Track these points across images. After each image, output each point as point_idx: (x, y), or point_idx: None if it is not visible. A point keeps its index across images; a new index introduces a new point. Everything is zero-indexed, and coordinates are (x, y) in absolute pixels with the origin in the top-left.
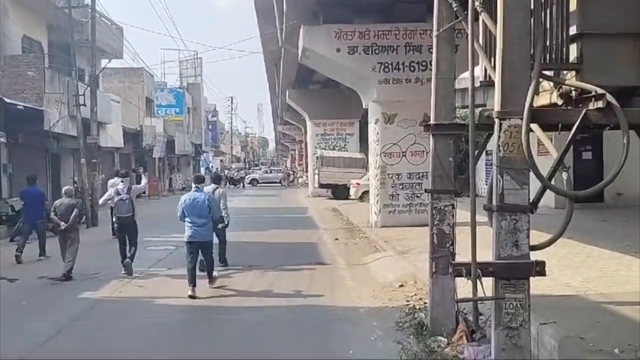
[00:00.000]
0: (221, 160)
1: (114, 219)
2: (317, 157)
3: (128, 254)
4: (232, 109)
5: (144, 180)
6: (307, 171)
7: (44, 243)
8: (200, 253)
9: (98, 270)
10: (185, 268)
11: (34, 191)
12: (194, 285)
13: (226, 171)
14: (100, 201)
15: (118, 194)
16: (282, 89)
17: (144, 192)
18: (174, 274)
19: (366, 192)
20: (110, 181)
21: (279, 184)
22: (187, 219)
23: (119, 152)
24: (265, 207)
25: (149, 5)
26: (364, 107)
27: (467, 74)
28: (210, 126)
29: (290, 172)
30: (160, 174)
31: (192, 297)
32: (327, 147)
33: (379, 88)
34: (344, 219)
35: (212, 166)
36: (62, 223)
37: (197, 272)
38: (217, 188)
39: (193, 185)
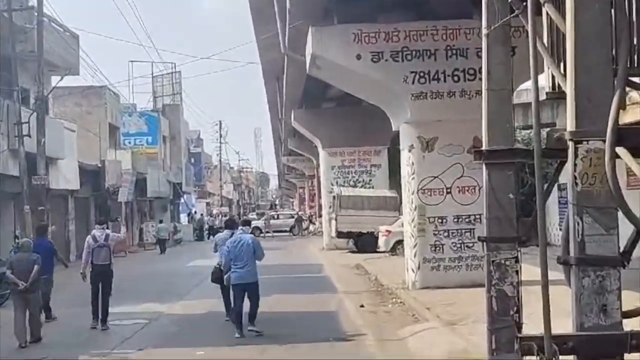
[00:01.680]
0: (208, 204)
1: (90, 268)
2: (334, 197)
3: (100, 316)
4: (220, 136)
5: (123, 230)
6: (320, 215)
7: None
8: (246, 296)
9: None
10: (161, 348)
11: (44, 243)
12: (241, 329)
13: (207, 218)
14: (82, 263)
15: (95, 240)
16: (286, 109)
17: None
18: (147, 359)
19: (399, 242)
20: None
21: (288, 233)
22: (231, 263)
23: (74, 196)
24: (268, 265)
25: (111, 6)
26: (393, 129)
27: (528, 84)
28: (192, 160)
29: (305, 218)
30: (128, 224)
31: (240, 336)
32: (346, 184)
33: (413, 105)
34: (371, 279)
35: (195, 212)
36: (22, 282)
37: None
38: (232, 234)
39: (239, 228)
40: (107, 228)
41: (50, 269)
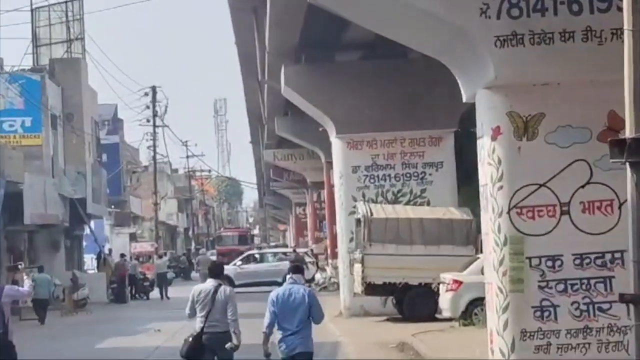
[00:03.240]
0: (133, 237)
1: None
2: (359, 222)
3: None
4: (154, 115)
5: (27, 282)
6: (334, 255)
7: None
8: None
9: None
10: None
11: None
12: None
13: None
14: None
15: None
16: (270, 64)
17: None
18: None
19: (477, 302)
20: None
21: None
22: (277, 326)
23: None
24: (241, 349)
25: None
26: (464, 100)
27: None
28: (105, 157)
29: (308, 259)
30: None
31: None
32: (381, 197)
33: (499, 56)
34: None
35: (109, 251)
36: None
37: None
38: (219, 285)
39: (287, 277)
40: None
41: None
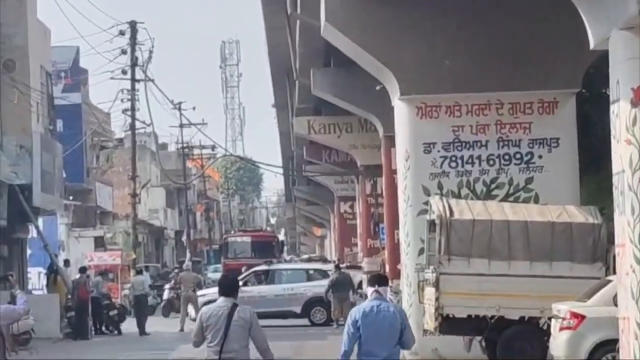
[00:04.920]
0: (100, 241)
1: None
2: (434, 224)
3: None
4: (134, 63)
5: (20, 299)
6: (394, 274)
7: None
8: None
9: None
10: None
11: None
12: None
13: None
14: None
15: None
16: None
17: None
18: None
19: (607, 346)
20: None
21: (305, 319)
22: (360, 354)
23: None
24: None
25: None
26: (592, 46)
27: None
28: (61, 125)
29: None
30: None
31: None
32: (465, 189)
33: None
34: None
35: (61, 259)
36: None
37: None
38: (235, 306)
39: (369, 290)
40: None
41: None
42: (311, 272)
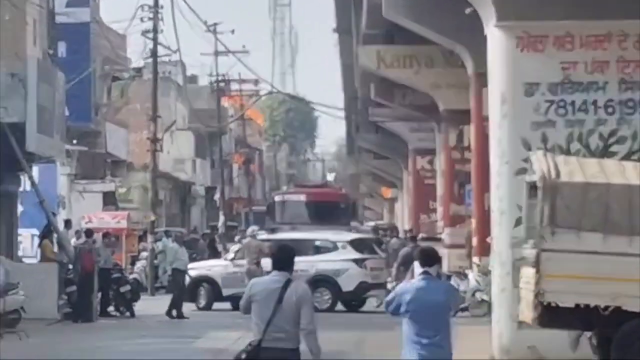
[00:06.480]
0: (110, 197)
1: None
2: (534, 187)
3: None
4: None
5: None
6: (481, 250)
7: None
8: None
9: None
10: None
11: None
12: None
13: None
14: None
15: None
16: None
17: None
18: None
19: None
20: None
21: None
22: (411, 334)
23: None
24: None
25: None
26: None
27: None
28: (65, 49)
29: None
30: None
31: None
32: (576, 143)
33: None
34: None
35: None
36: None
37: None
38: (289, 281)
39: (417, 269)
40: None
41: None
42: (318, 244)
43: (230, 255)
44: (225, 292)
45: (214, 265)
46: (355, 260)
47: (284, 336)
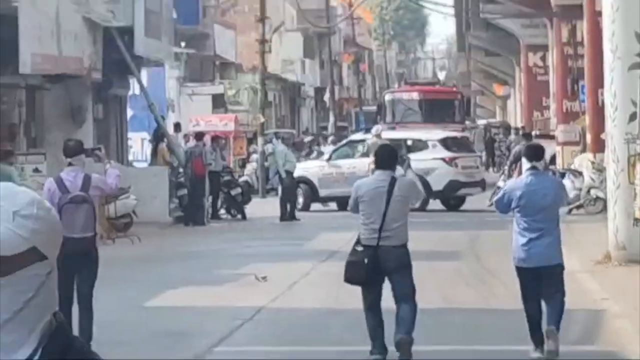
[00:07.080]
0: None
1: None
2: None
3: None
4: None
5: (112, 171)
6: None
7: None
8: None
9: None
10: None
11: None
12: (540, 346)
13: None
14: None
15: (64, 190)
16: None
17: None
18: None
19: None
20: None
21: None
22: (521, 229)
23: None
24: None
25: None
26: None
27: None
28: None
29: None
30: None
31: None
32: None
33: None
34: None
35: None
36: None
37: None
38: (394, 180)
39: (525, 165)
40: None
41: None
42: (409, 143)
43: (326, 156)
44: (322, 192)
45: (311, 167)
46: (445, 159)
47: (392, 234)
